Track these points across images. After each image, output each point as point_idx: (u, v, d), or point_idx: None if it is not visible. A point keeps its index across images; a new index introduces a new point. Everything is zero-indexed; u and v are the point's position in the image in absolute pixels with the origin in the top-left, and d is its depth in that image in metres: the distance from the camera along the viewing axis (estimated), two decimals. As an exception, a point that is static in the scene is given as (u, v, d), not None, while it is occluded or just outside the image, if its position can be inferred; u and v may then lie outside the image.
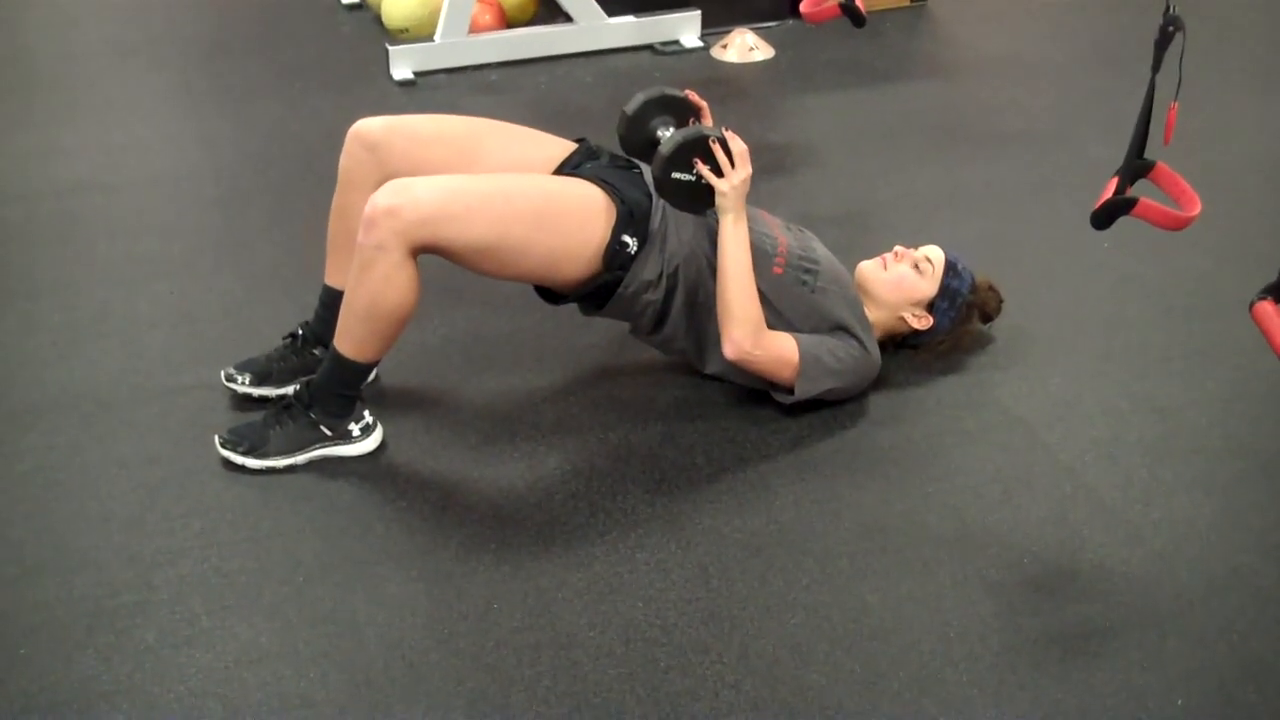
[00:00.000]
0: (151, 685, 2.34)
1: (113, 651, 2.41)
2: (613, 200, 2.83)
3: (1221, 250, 3.63)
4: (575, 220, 2.80)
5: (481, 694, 2.33)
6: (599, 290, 2.86)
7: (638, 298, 2.88)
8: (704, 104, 3.04)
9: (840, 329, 2.99)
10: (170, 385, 3.13)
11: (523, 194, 2.78)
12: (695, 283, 2.92)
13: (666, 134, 2.93)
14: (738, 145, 2.85)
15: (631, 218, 2.84)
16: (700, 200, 2.86)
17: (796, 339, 2.92)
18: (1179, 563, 2.62)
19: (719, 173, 2.82)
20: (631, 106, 3.00)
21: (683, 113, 3.02)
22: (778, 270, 2.94)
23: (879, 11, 5.42)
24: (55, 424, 3.00)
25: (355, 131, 2.94)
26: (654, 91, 3.01)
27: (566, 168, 2.96)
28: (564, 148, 3.02)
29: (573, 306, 2.97)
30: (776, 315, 2.93)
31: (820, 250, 3.06)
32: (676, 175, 2.82)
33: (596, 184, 2.86)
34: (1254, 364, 3.07)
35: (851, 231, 3.78)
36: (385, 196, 2.64)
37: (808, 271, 2.97)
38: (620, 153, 3.04)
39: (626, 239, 2.82)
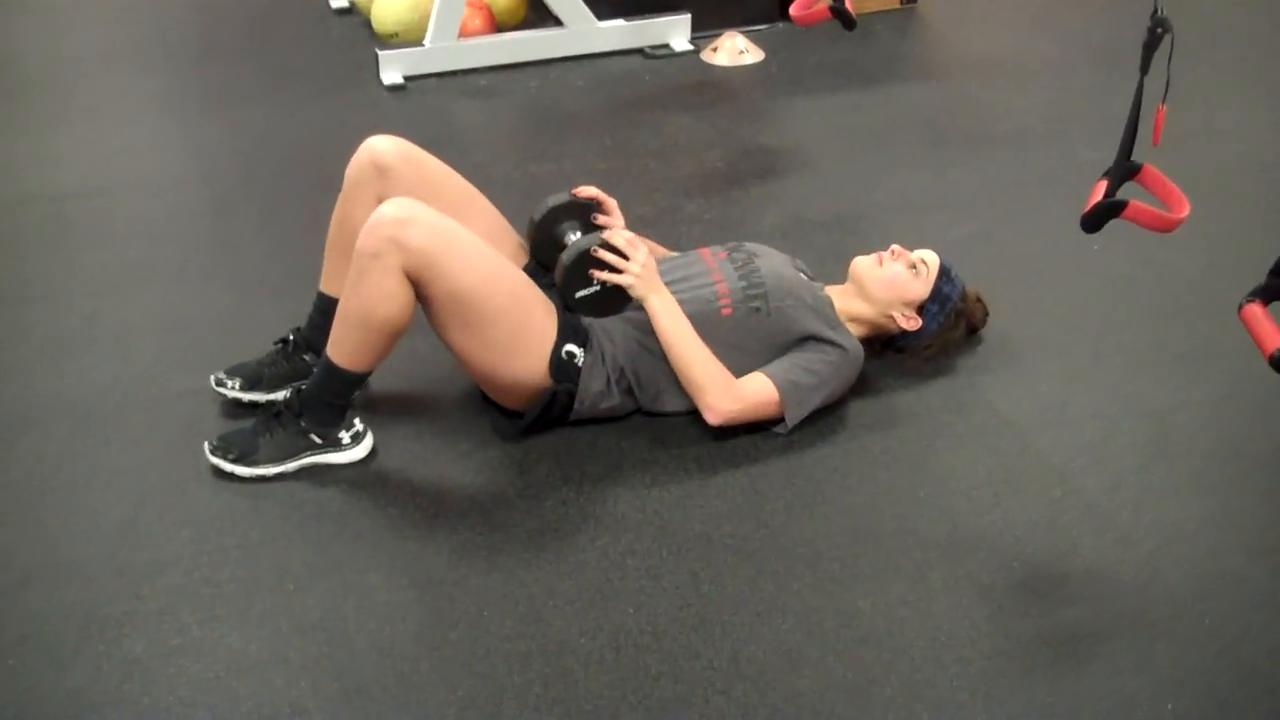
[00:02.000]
0: (141, 695, 2.34)
1: (102, 662, 2.40)
2: (557, 312, 2.88)
3: (1211, 252, 3.64)
4: (538, 319, 2.84)
5: (472, 702, 2.32)
6: (554, 403, 2.89)
7: (597, 407, 2.94)
8: (597, 193, 3.10)
9: (807, 338, 2.99)
10: (160, 393, 3.12)
11: (509, 273, 2.82)
12: (649, 373, 2.96)
13: (573, 238, 3.00)
14: (620, 239, 2.89)
15: (574, 330, 2.89)
16: (617, 300, 2.92)
17: (768, 374, 2.93)
18: (1169, 566, 2.62)
19: (618, 271, 2.86)
20: (531, 232, 3.08)
21: (582, 211, 3.08)
22: (726, 313, 2.95)
23: (869, 14, 5.44)
24: (45, 432, 2.99)
25: (371, 149, 2.95)
26: (542, 209, 3.06)
27: None
28: (523, 257, 3.10)
29: None
30: (743, 352, 2.95)
31: (765, 268, 3.05)
32: (581, 294, 2.88)
33: (548, 295, 2.92)
34: (1243, 366, 3.06)
35: (842, 234, 3.79)
36: (394, 209, 2.65)
37: (755, 298, 2.97)
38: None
39: (572, 349, 2.87)
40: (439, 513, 2.77)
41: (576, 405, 2.90)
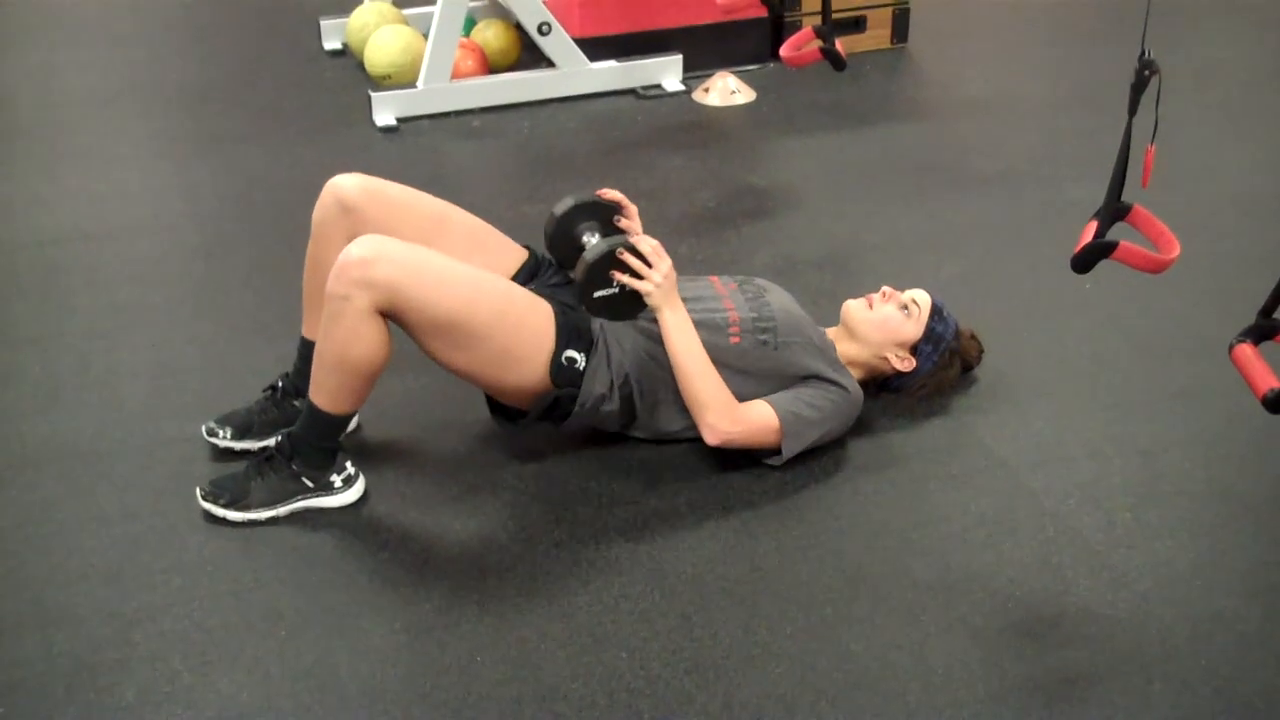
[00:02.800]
0: (131, 743, 2.33)
1: (93, 710, 2.39)
2: (556, 315, 2.86)
3: (1202, 291, 3.64)
4: (530, 327, 2.82)
5: (464, 748, 2.31)
6: (556, 406, 2.88)
7: (596, 411, 2.92)
8: (620, 197, 3.09)
9: (811, 377, 2.99)
10: (151, 438, 3.11)
11: (488, 287, 2.81)
12: (651, 384, 2.95)
13: (591, 240, 2.98)
14: (646, 245, 2.88)
15: (576, 333, 2.87)
16: (631, 306, 2.90)
17: (771, 403, 2.93)
18: (1163, 606, 2.62)
19: (639, 276, 2.85)
20: (549, 225, 3.06)
21: (602, 213, 3.07)
22: (735, 340, 2.95)
23: (859, 54, 5.46)
24: (34, 478, 2.98)
25: (332, 188, 2.94)
26: (566, 204, 3.06)
27: (516, 280, 2.99)
28: (516, 258, 3.07)
29: None
30: (745, 380, 2.94)
31: (776, 302, 3.06)
32: (599, 294, 2.86)
33: (545, 299, 2.89)
34: (1236, 406, 3.06)
35: (834, 274, 3.79)
36: (359, 248, 2.64)
37: (765, 331, 2.97)
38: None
39: (573, 354, 2.85)
40: (430, 557, 2.76)
41: (577, 407, 2.88)
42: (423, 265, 2.70)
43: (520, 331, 2.81)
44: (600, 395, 2.89)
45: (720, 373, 2.90)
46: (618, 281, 2.85)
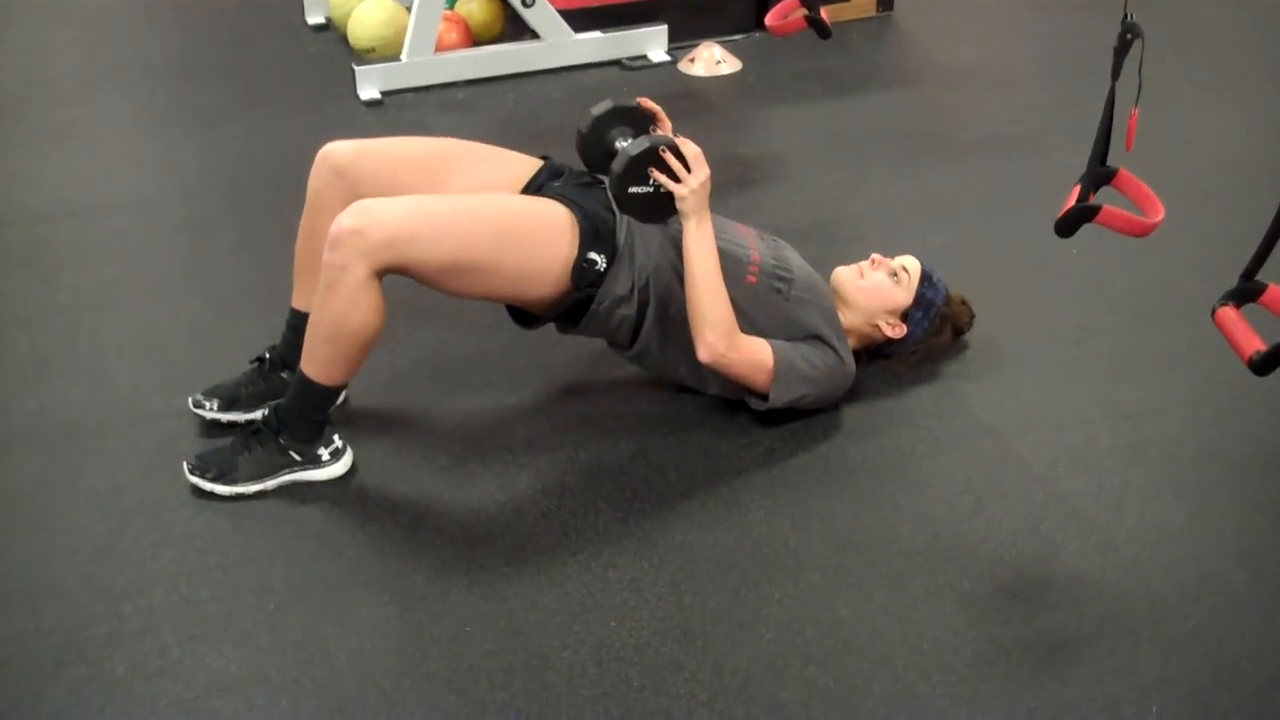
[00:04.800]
0: (122, 717, 2.32)
1: (83, 684, 2.39)
2: (577, 218, 2.83)
3: (1187, 255, 3.64)
4: (541, 239, 2.79)
5: (454, 717, 2.31)
6: (573, 309, 2.86)
7: (612, 313, 2.88)
8: (658, 109, 3.04)
9: (815, 338, 2.98)
10: (138, 413, 3.11)
11: (488, 213, 2.78)
12: (666, 294, 2.91)
13: (624, 144, 2.93)
14: (690, 149, 2.83)
15: (597, 235, 2.83)
16: (662, 209, 2.85)
17: (771, 344, 2.92)
18: (1151, 569, 2.63)
19: (675, 179, 2.82)
20: (585, 124, 3.00)
21: (639, 121, 3.02)
22: (751, 279, 2.93)
23: (845, 22, 5.45)
24: (22, 455, 2.98)
25: (324, 154, 2.93)
26: (605, 106, 3.00)
27: (531, 187, 2.96)
28: (529, 166, 3.02)
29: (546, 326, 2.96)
30: (750, 324, 2.92)
31: (795, 260, 3.07)
32: (634, 190, 2.81)
33: (561, 202, 2.86)
34: (1222, 369, 3.05)
35: (822, 243, 3.78)
36: (349, 217, 2.63)
37: (781, 280, 2.97)
38: (583, 168, 3.04)
39: (594, 256, 2.82)
40: (419, 528, 2.76)
41: (594, 305, 2.85)
42: (415, 217, 2.68)
43: (529, 246, 2.78)
44: (619, 297, 2.86)
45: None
46: (654, 180, 2.82)
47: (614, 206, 2.88)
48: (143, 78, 5.24)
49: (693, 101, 4.91)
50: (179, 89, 5.13)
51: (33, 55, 5.48)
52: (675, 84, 5.05)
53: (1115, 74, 2.36)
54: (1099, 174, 2.44)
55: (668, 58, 5.21)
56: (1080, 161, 2.45)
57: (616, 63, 5.18)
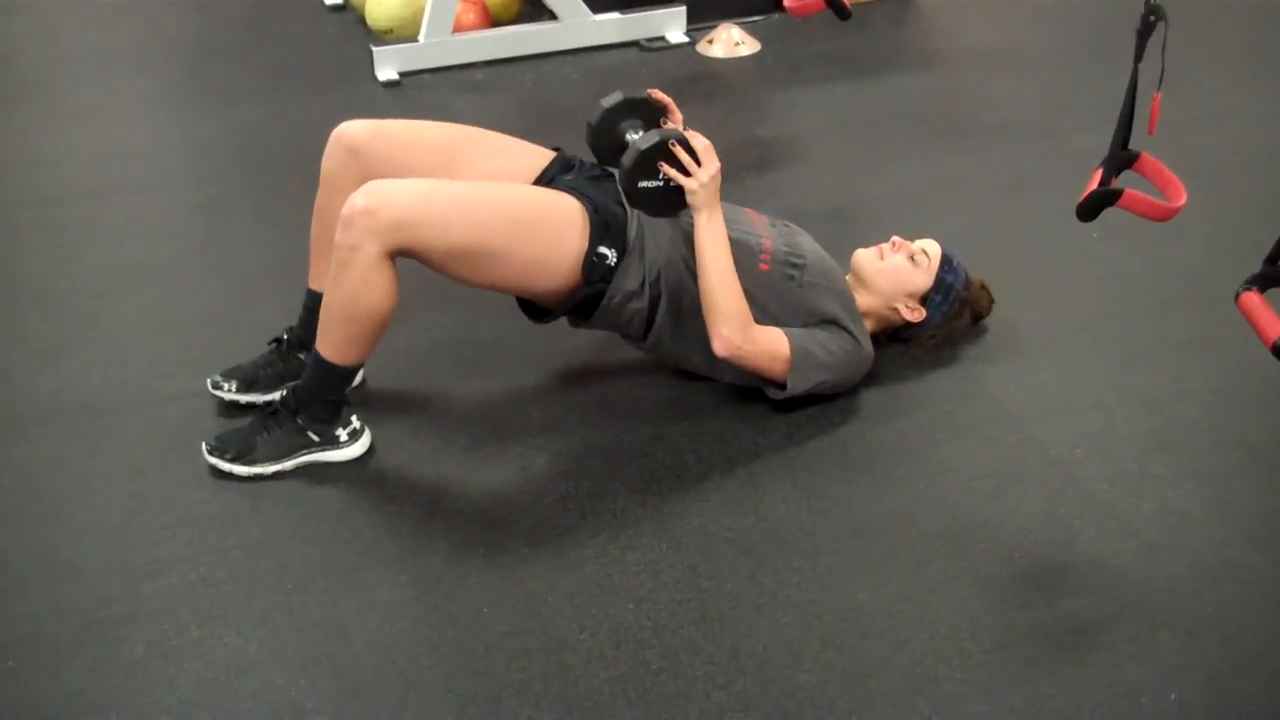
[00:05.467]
0: (141, 696, 2.33)
1: (102, 663, 2.40)
2: (588, 212, 2.82)
3: (1209, 240, 3.62)
4: (552, 230, 2.79)
5: (472, 699, 2.32)
6: (584, 303, 2.85)
7: (623, 308, 2.88)
8: (669, 100, 3.04)
9: (830, 323, 2.97)
10: (157, 393, 3.11)
11: (501, 201, 2.78)
12: (678, 288, 2.91)
13: (635, 137, 2.92)
14: (700, 142, 2.83)
15: (608, 229, 2.83)
16: (672, 204, 2.85)
17: (787, 333, 2.91)
18: (1171, 555, 2.62)
19: (685, 173, 2.81)
20: (595, 116, 3.00)
21: (650, 113, 3.01)
22: (764, 268, 2.93)
23: (864, 4, 5.42)
24: (41, 435, 2.99)
25: (338, 134, 2.93)
26: (615, 98, 3.00)
27: (543, 180, 2.96)
28: (542, 158, 3.02)
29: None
30: (764, 312, 2.91)
31: (807, 245, 3.05)
32: (644, 184, 2.81)
33: (573, 195, 2.86)
34: (1242, 354, 3.05)
35: (840, 225, 3.77)
36: (362, 197, 2.63)
37: (794, 267, 2.96)
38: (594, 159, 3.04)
39: (605, 250, 2.82)
40: (437, 510, 2.76)
41: (605, 300, 2.85)
42: (427, 200, 2.68)
43: (540, 237, 2.77)
44: (630, 292, 2.86)
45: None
46: (664, 174, 2.81)
47: (624, 201, 2.87)
48: (160, 58, 5.25)
49: (711, 83, 4.89)
50: (196, 69, 5.13)
51: (50, 36, 5.49)
52: (694, 65, 5.03)
53: (1138, 56, 2.34)
54: (1121, 158, 2.42)
55: (686, 39, 5.19)
56: (1101, 144, 2.44)
57: (635, 44, 5.16)
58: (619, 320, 2.91)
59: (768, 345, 2.88)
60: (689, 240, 2.88)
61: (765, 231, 3.00)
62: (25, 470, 2.89)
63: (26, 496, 2.82)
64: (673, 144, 2.79)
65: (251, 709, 2.31)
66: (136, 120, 4.68)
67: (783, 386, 2.93)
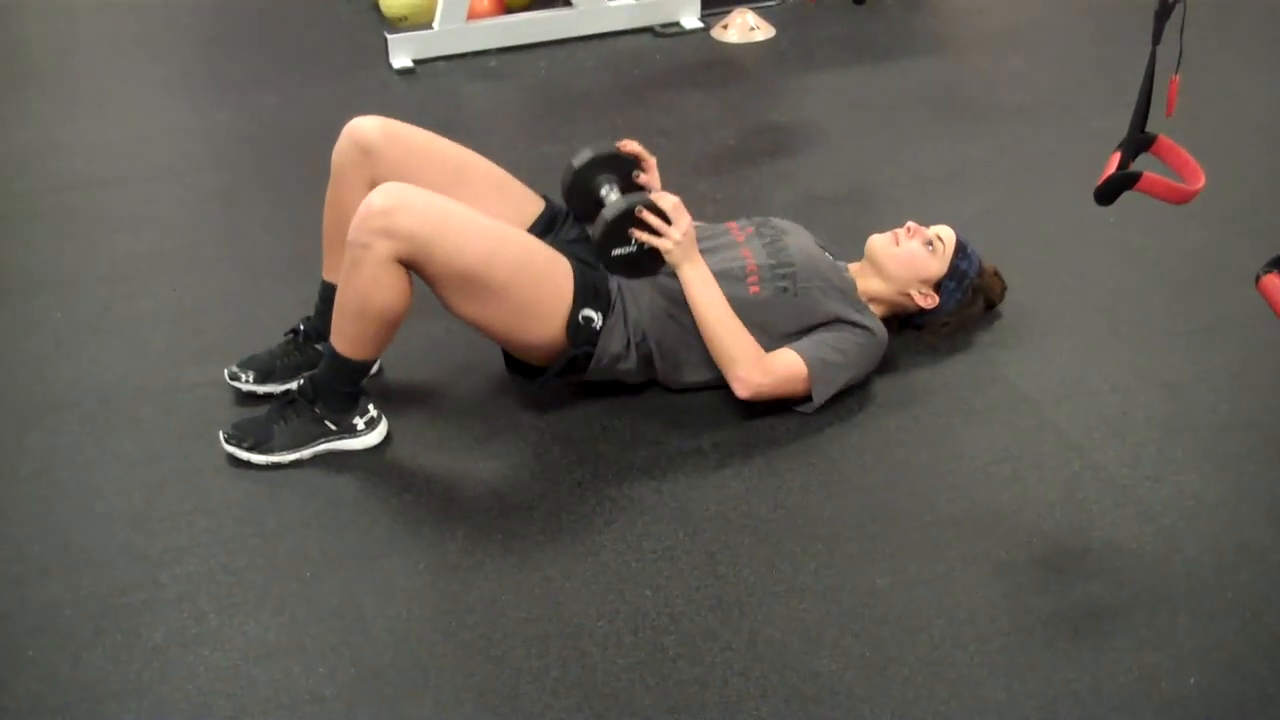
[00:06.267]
0: (160, 684, 2.34)
1: (120, 651, 2.41)
2: (574, 274, 2.83)
3: (1227, 223, 3.61)
4: (549, 285, 2.80)
5: (490, 685, 2.32)
6: (573, 363, 2.87)
7: (614, 368, 2.91)
8: (640, 150, 3.06)
9: (834, 321, 2.97)
10: (173, 382, 3.12)
11: (511, 242, 2.78)
12: (671, 343, 2.93)
13: (610, 195, 2.95)
14: (667, 201, 2.85)
15: (594, 292, 2.85)
16: (650, 264, 2.87)
17: (798, 350, 2.91)
18: (1189, 539, 2.61)
19: (658, 233, 2.82)
20: (566, 176, 3.02)
21: (622, 166, 3.03)
22: (754, 290, 2.93)
23: (879, -12, 5.41)
24: (58, 423, 2.99)
25: (351, 130, 2.92)
26: (584, 157, 3.01)
27: (533, 232, 2.97)
28: (535, 207, 3.04)
29: None
30: (769, 331, 2.93)
31: (793, 246, 3.03)
32: (617, 252, 2.83)
33: (564, 254, 2.87)
34: (1261, 337, 3.05)
35: (855, 210, 3.77)
36: (381, 198, 2.63)
37: (784, 277, 2.95)
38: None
39: (590, 313, 2.83)
40: (454, 497, 2.77)
41: (593, 364, 2.87)
42: (445, 216, 2.68)
43: (539, 287, 2.78)
44: (616, 354, 2.88)
45: (741, 321, 2.89)
46: (636, 239, 2.83)
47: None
48: (174, 45, 5.25)
49: (726, 69, 4.88)
50: (210, 56, 5.14)
51: (64, 23, 5.49)
52: (708, 51, 5.02)
53: (1156, 39, 2.33)
54: (1139, 140, 2.41)
55: (701, 24, 5.18)
56: (1117, 127, 2.43)
57: (649, 29, 5.15)
58: (613, 376, 2.94)
59: (785, 371, 2.89)
60: (669, 293, 2.90)
61: (747, 249, 3.00)
62: (42, 458, 2.89)
63: (44, 484, 2.82)
64: (640, 211, 2.81)
65: (270, 697, 2.31)
66: (150, 108, 4.68)
67: (810, 399, 2.93)
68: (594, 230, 2.84)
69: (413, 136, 2.96)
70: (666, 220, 2.83)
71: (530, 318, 2.79)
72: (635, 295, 2.90)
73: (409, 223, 2.61)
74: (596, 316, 2.84)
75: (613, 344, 2.87)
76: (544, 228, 3.00)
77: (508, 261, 2.74)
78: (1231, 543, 2.60)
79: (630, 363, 2.91)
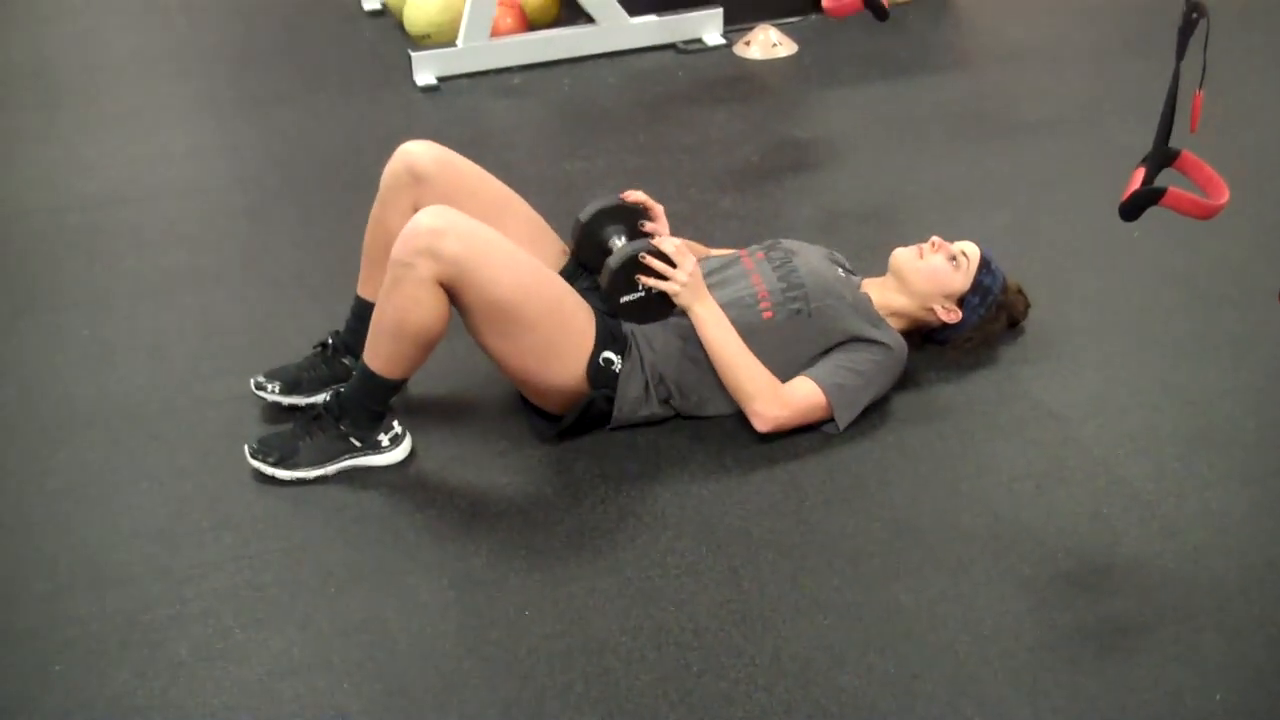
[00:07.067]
0: (185, 699, 2.35)
1: (146, 666, 2.41)
2: (596, 319, 2.86)
3: (1252, 237, 3.60)
4: (576, 326, 2.82)
5: (514, 701, 2.32)
6: (592, 407, 2.89)
7: (635, 413, 2.93)
8: (645, 199, 3.07)
9: (850, 340, 2.97)
10: (199, 397, 3.13)
11: (547, 281, 2.79)
12: (691, 382, 2.95)
13: (618, 244, 2.97)
14: (669, 245, 2.86)
15: (613, 337, 2.87)
16: (660, 308, 2.89)
17: (814, 379, 2.91)
18: (1214, 556, 2.60)
19: (664, 278, 2.84)
20: (574, 231, 3.03)
21: (628, 216, 3.05)
22: (767, 315, 2.93)
23: (902, 4, 5.42)
24: (85, 439, 3.01)
25: (405, 155, 2.94)
26: (590, 210, 3.03)
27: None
28: (563, 256, 3.07)
29: None
30: (786, 353, 2.93)
31: (804, 266, 3.03)
32: (626, 299, 2.85)
33: (588, 301, 2.90)
34: (1287, 352, 3.05)
35: (878, 226, 3.77)
36: (429, 219, 2.64)
37: (795, 299, 2.95)
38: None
39: (610, 355, 2.86)
40: (478, 513, 2.77)
41: (615, 412, 2.90)
42: (489, 245, 2.69)
43: (566, 328, 2.80)
44: (636, 398, 2.91)
45: (758, 348, 2.89)
46: (643, 285, 2.85)
47: None
48: (199, 63, 5.28)
49: (748, 85, 4.89)
50: (235, 74, 5.16)
51: (90, 41, 5.53)
52: (730, 67, 5.03)
53: (1180, 54, 2.33)
54: (1163, 155, 2.41)
55: (723, 40, 5.20)
56: (1141, 141, 2.43)
57: (672, 46, 5.17)
58: (637, 419, 2.95)
59: (803, 402, 2.90)
60: (679, 332, 2.92)
61: (758, 276, 3.01)
62: (70, 474, 2.91)
63: (71, 500, 2.84)
64: (643, 257, 2.83)
65: (295, 713, 2.32)
66: (176, 125, 4.70)
67: (834, 422, 2.93)
68: (601, 279, 2.86)
69: (463, 167, 2.99)
70: (671, 263, 2.85)
71: (554, 357, 2.80)
72: (649, 339, 2.92)
73: (454, 246, 2.62)
74: (616, 359, 2.87)
75: (631, 389, 2.89)
76: (568, 277, 3.01)
77: (541, 298, 2.75)
78: (1259, 559, 2.59)
79: (652, 407, 2.93)
